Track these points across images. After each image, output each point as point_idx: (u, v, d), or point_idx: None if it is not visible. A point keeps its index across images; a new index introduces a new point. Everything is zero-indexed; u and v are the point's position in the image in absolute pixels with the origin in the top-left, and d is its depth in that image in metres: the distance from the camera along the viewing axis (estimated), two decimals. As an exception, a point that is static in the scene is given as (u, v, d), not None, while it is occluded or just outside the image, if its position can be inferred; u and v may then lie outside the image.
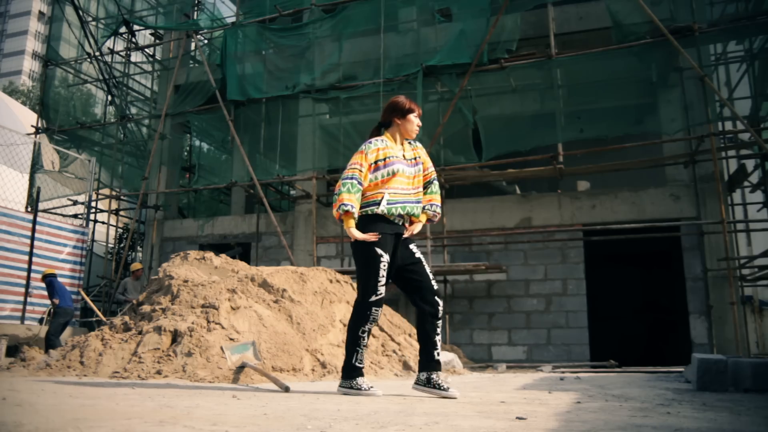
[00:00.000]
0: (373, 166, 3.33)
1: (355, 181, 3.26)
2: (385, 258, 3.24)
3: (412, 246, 3.37)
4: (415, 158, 3.46)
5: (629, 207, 9.66)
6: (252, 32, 11.96)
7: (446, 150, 10.26)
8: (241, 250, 12.31)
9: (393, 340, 6.28)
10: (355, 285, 7.21)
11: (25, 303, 9.34)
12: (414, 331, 7.24)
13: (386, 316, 6.92)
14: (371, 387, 3.25)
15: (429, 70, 9.97)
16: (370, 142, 3.39)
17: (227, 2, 16.33)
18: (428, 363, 3.27)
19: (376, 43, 10.77)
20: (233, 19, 13.00)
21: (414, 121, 3.47)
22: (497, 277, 9.96)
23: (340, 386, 3.30)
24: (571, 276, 9.73)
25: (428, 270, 3.35)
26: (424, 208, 3.47)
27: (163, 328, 4.61)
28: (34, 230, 9.74)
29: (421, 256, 3.38)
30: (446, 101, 10.21)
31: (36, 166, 13.43)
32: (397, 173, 3.32)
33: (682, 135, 9.38)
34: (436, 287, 3.32)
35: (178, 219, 13.58)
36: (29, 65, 59.72)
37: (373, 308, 3.23)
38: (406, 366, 5.79)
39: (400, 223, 3.34)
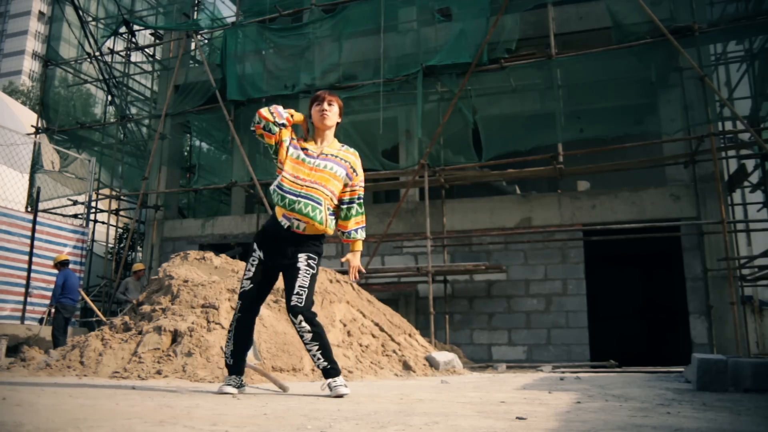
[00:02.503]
0: (285, 143, 3.25)
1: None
2: (256, 254, 3.25)
3: (300, 254, 3.18)
4: (333, 156, 3.25)
5: (629, 207, 9.66)
6: (252, 32, 11.96)
7: (446, 150, 10.26)
8: (241, 250, 12.30)
9: (393, 340, 6.28)
10: (354, 285, 7.22)
11: (25, 303, 9.34)
12: (414, 331, 7.25)
13: (386, 316, 6.92)
14: (227, 385, 3.19)
15: (429, 70, 9.97)
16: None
17: (227, 2, 16.32)
18: (321, 372, 3.23)
19: (376, 43, 10.77)
20: (233, 19, 13.00)
21: (317, 110, 3.26)
22: (497, 277, 9.96)
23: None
24: (571, 276, 9.74)
25: (299, 282, 3.14)
26: (350, 234, 3.31)
27: (163, 328, 4.61)
28: (34, 230, 9.74)
29: (301, 266, 3.16)
30: (446, 101, 10.21)
31: (36, 166, 13.43)
32: (297, 159, 3.19)
33: (682, 135, 9.38)
34: (294, 302, 3.11)
35: (178, 219, 13.58)
36: (29, 65, 59.67)
37: (239, 300, 3.25)
38: (407, 366, 5.79)
39: (286, 226, 3.16)
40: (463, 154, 10.23)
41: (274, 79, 11.74)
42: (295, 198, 3.13)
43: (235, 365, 3.25)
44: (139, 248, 15.41)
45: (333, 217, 3.27)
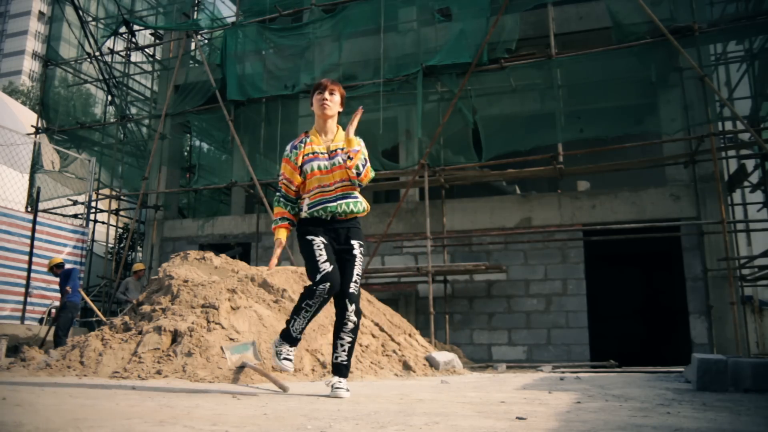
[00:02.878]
0: (299, 168, 3.26)
1: (280, 197, 3.33)
2: (318, 239, 3.14)
3: (354, 242, 3.23)
4: (341, 149, 3.23)
5: (629, 207, 9.66)
6: (252, 32, 11.97)
7: (446, 150, 10.27)
8: (241, 250, 12.31)
9: (393, 340, 6.28)
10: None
11: (25, 303, 9.34)
12: (414, 331, 7.25)
13: (386, 316, 6.92)
14: (286, 360, 3.18)
15: (429, 70, 9.97)
16: (291, 147, 3.30)
17: (227, 2, 16.33)
18: (332, 364, 3.24)
19: (376, 43, 10.77)
20: (233, 19, 13.00)
21: (318, 99, 3.24)
22: (497, 277, 9.96)
23: (273, 342, 3.29)
24: (571, 276, 9.73)
25: (355, 271, 3.19)
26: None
27: (163, 328, 4.60)
28: (34, 230, 9.74)
29: (358, 255, 3.22)
30: (446, 101, 10.21)
31: (36, 166, 13.43)
32: (313, 172, 3.21)
33: (682, 135, 9.38)
34: (352, 289, 3.15)
35: (178, 219, 13.58)
36: (29, 65, 59.68)
37: (320, 285, 3.05)
38: (407, 366, 5.79)
39: (330, 218, 3.21)
40: (463, 154, 10.24)
41: (274, 79, 11.74)
42: (334, 204, 3.18)
43: (299, 339, 3.22)
44: (139, 248, 15.41)
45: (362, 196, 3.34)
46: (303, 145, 3.28)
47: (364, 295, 7.21)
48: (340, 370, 3.18)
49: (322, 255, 3.11)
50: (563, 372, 7.19)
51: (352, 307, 3.14)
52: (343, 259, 3.21)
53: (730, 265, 8.55)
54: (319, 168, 3.20)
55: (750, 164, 10.10)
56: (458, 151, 10.29)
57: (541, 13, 10.12)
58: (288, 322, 3.21)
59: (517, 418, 2.28)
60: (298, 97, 11.49)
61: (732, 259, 8.70)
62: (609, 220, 9.59)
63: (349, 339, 3.17)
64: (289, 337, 3.21)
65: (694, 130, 9.29)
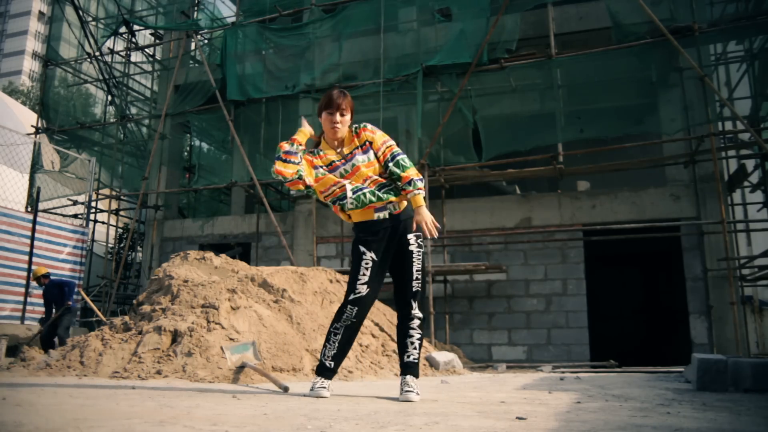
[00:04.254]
0: (317, 178, 3.14)
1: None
2: (368, 255, 3.04)
3: (410, 236, 3.10)
4: (354, 150, 3.11)
5: (629, 207, 9.67)
6: (252, 32, 11.97)
7: (446, 150, 10.27)
8: (241, 250, 12.31)
9: (393, 340, 6.28)
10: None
11: (25, 303, 9.33)
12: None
13: (386, 316, 6.93)
14: (322, 388, 3.03)
15: (429, 70, 9.97)
16: (308, 152, 3.19)
17: (227, 2, 16.33)
18: (401, 365, 3.11)
19: (376, 43, 10.77)
20: (233, 19, 13.00)
21: (328, 120, 3.08)
22: (497, 277, 9.96)
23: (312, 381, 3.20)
24: (571, 276, 9.73)
25: (415, 267, 3.08)
26: (403, 188, 3.12)
27: (163, 328, 4.60)
28: (34, 230, 9.73)
29: (414, 249, 3.09)
30: (446, 101, 10.21)
31: (36, 166, 13.44)
32: (341, 180, 3.09)
33: (682, 135, 9.38)
34: (414, 288, 3.07)
35: (178, 219, 13.59)
36: (29, 65, 59.65)
37: (348, 306, 3.03)
38: (406, 366, 5.78)
39: (383, 218, 3.09)
40: (463, 154, 10.24)
41: (274, 79, 11.75)
42: (361, 194, 3.06)
43: (334, 370, 3.10)
44: (139, 248, 15.42)
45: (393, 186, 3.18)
46: (320, 153, 3.17)
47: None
48: (412, 368, 3.04)
49: (365, 275, 3.03)
50: (563, 372, 7.19)
51: (415, 305, 3.06)
52: (400, 259, 3.10)
53: (730, 265, 8.55)
54: (341, 174, 3.10)
55: (750, 164, 10.10)
56: (458, 151, 10.29)
57: (541, 13, 10.12)
58: (321, 352, 3.13)
59: (517, 418, 2.28)
60: (298, 97, 11.49)
61: (732, 259, 8.71)
62: (609, 220, 9.59)
63: (418, 335, 3.09)
64: (321, 367, 3.09)
65: (694, 130, 9.30)
